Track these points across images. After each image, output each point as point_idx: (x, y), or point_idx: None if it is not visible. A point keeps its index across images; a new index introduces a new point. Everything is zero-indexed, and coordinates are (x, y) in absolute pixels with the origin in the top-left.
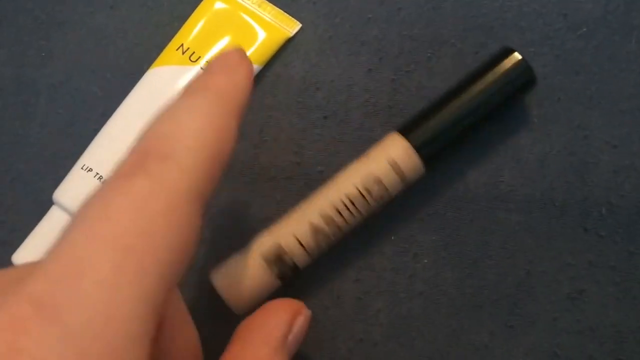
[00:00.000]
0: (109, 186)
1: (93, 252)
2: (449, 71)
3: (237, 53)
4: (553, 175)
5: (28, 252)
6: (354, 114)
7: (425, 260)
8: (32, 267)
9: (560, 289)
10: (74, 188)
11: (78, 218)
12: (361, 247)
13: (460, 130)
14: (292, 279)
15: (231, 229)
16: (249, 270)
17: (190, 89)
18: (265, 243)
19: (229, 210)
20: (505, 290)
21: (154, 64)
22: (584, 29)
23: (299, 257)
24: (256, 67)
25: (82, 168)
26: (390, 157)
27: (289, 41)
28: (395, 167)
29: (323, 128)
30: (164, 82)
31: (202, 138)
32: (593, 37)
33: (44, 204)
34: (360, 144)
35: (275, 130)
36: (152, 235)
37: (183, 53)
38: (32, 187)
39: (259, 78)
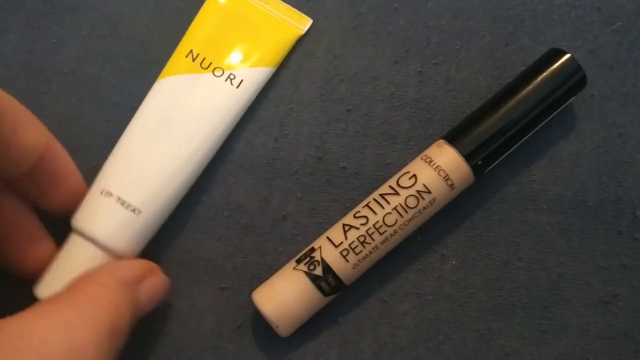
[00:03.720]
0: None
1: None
2: (478, 64)
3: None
4: (586, 175)
5: (52, 285)
6: (378, 108)
7: (453, 262)
8: None
9: (593, 293)
10: (94, 214)
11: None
12: None
13: (511, 138)
14: (327, 282)
15: (250, 226)
16: (281, 275)
17: None
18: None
19: (248, 206)
20: (536, 293)
21: (163, 73)
22: (619, 23)
23: (328, 251)
24: (269, 69)
25: (101, 193)
26: (438, 165)
27: (311, 31)
28: (440, 172)
29: (347, 122)
30: (176, 92)
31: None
32: (628, 32)
33: None
34: (385, 139)
35: (297, 123)
36: None
37: (193, 60)
38: None
39: (279, 70)
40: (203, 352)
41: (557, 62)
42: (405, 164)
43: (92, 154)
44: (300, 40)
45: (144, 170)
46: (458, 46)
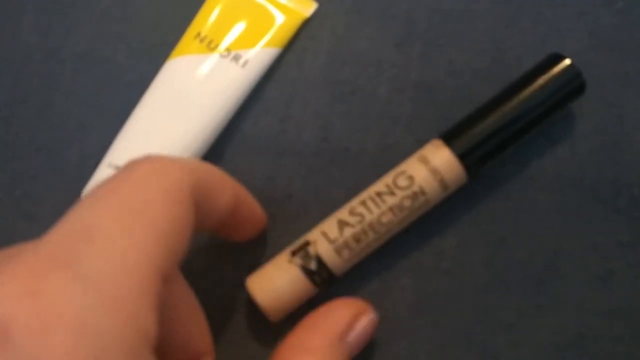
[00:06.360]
0: (115, 172)
1: (102, 217)
2: (480, 46)
3: None
4: (584, 154)
5: None
6: (381, 90)
7: (452, 238)
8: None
9: (590, 269)
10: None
11: (87, 196)
12: None
13: (505, 140)
14: (320, 275)
15: None
16: (276, 264)
17: None
18: (295, 242)
19: (254, 185)
20: (533, 269)
21: (172, 54)
22: (620, 4)
23: (323, 247)
24: (274, 50)
25: (108, 166)
26: (433, 167)
27: (315, 14)
28: (435, 174)
29: (350, 103)
30: (185, 72)
31: (201, 169)
32: (629, 13)
33: (68, 174)
34: (387, 120)
35: (302, 104)
36: (154, 207)
37: (201, 41)
38: (57, 157)
39: (285, 52)
40: None
41: (556, 67)
42: (407, 145)
43: (104, 133)
44: (305, 24)
45: (152, 145)
46: (459, 28)
